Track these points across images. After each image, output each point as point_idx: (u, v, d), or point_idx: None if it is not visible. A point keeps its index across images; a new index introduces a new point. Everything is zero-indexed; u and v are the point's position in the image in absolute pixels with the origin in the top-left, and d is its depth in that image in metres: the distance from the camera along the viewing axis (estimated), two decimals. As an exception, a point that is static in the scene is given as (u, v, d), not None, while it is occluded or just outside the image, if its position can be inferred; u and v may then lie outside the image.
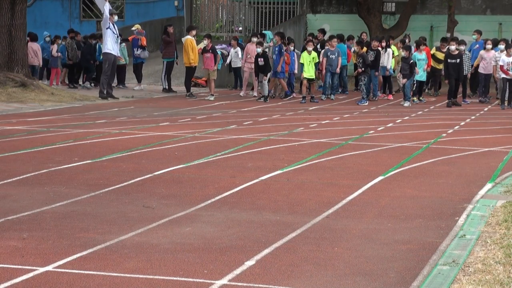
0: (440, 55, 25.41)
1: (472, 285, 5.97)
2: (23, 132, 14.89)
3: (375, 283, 6.08)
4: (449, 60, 22.62)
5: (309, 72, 23.30)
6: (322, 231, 7.68)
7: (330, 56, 23.99)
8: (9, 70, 23.01)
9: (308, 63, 23.27)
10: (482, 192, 9.80)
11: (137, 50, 26.67)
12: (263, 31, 28.90)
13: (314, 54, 23.55)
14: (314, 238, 7.41)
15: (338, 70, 24.32)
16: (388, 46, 25.08)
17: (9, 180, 10.00)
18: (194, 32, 24.90)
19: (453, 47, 22.48)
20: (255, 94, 25.03)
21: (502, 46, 23.35)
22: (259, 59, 23.68)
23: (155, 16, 35.50)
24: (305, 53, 23.57)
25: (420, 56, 23.58)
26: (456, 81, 22.88)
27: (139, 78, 26.96)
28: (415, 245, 7.19)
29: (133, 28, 27.53)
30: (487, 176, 10.88)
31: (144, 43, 26.76)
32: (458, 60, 22.55)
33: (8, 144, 13.22)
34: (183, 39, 25.15)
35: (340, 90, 26.18)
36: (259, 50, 23.67)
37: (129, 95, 24.12)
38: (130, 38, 27.05)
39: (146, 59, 27.17)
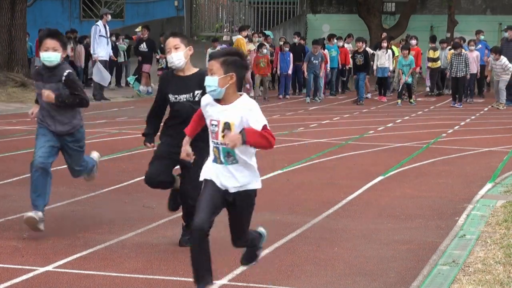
0: (432, 54, 25.48)
1: (472, 285, 5.97)
2: (23, 132, 14.87)
3: (375, 283, 6.08)
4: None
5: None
6: (322, 231, 7.67)
7: (314, 61, 23.79)
8: (9, 70, 23.01)
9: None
10: (482, 192, 9.79)
11: None
12: (263, 31, 28.87)
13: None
14: (314, 238, 7.41)
15: (321, 74, 24.13)
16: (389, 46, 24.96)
17: (9, 180, 10.00)
18: (245, 33, 24.10)
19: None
20: (252, 94, 25.05)
21: None
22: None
23: (155, 16, 35.48)
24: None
25: (405, 62, 23.06)
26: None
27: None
28: (415, 245, 7.19)
29: (136, 30, 27.47)
30: (487, 176, 10.87)
31: None
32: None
33: (8, 144, 13.21)
34: (233, 38, 24.79)
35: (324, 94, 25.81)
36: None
37: (129, 95, 24.11)
38: (134, 37, 26.96)
39: None
